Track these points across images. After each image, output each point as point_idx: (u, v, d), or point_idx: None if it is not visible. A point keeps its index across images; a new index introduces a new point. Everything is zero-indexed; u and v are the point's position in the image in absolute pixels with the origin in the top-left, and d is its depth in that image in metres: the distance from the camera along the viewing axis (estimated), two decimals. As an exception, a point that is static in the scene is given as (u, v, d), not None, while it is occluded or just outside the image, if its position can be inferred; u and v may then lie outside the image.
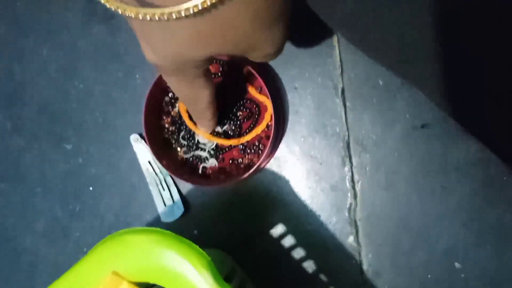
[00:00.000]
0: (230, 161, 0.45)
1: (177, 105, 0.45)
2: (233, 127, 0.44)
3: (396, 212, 0.44)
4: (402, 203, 0.44)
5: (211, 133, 0.44)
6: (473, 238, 0.42)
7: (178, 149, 0.46)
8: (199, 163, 0.45)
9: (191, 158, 0.46)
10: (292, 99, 0.45)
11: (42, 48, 0.50)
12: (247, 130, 0.44)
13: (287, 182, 0.45)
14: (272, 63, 0.46)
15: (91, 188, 0.49)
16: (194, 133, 0.45)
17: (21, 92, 0.50)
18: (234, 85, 0.44)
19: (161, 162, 0.42)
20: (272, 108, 0.41)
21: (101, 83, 0.49)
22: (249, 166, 0.44)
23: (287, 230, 0.46)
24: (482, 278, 0.43)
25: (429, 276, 0.43)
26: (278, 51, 0.30)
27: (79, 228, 0.50)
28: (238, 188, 0.46)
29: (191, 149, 0.45)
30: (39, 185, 0.50)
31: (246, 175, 0.41)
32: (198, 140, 0.45)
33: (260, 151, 0.44)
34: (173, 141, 0.46)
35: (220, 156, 0.45)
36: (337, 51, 0.44)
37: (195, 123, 0.43)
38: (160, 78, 0.42)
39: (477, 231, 0.42)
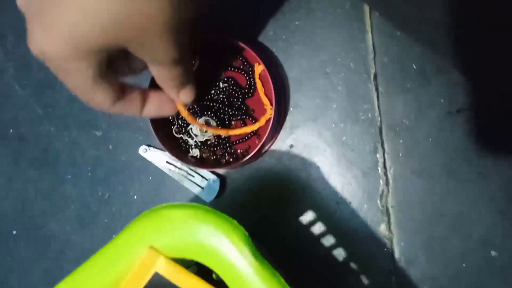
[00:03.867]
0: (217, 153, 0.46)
1: None
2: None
3: (430, 199, 0.43)
4: (436, 190, 0.43)
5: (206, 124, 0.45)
6: (510, 226, 0.41)
7: (172, 126, 0.46)
8: (188, 148, 0.46)
9: (180, 140, 0.46)
10: (324, 84, 0.45)
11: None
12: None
13: (317, 168, 0.45)
14: (303, 48, 0.45)
15: (120, 175, 0.50)
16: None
17: (52, 79, 0.51)
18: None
19: (157, 134, 0.43)
20: (272, 112, 0.42)
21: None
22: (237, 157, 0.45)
23: (317, 217, 0.45)
24: (519, 268, 0.41)
25: (464, 264, 0.42)
26: (174, 61, 0.29)
27: (108, 214, 0.50)
28: (266, 174, 0.46)
29: (181, 130, 0.45)
30: (69, 172, 0.51)
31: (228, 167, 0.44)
32: (190, 128, 0.45)
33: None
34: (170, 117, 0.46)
35: (205, 149, 0.46)
36: (370, 35, 0.44)
37: (190, 112, 0.43)
38: None
39: (515, 218, 0.41)
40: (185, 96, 0.35)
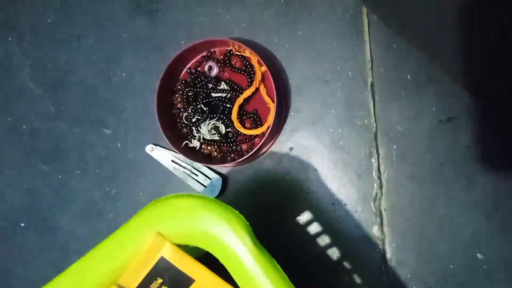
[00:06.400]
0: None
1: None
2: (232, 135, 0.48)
3: (421, 202, 0.45)
4: (427, 194, 0.45)
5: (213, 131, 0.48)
6: (496, 229, 0.44)
7: (178, 124, 0.49)
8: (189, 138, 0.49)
9: (185, 132, 0.49)
10: (323, 91, 0.47)
11: (88, 37, 0.53)
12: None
13: (314, 170, 0.47)
14: (305, 56, 0.48)
15: (127, 172, 0.52)
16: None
17: (66, 78, 0.54)
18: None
19: (165, 133, 0.46)
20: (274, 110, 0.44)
21: (142, 72, 0.52)
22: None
23: (313, 218, 0.48)
24: (504, 270, 0.44)
25: (451, 266, 0.44)
26: None
27: (114, 210, 0.52)
28: (267, 175, 0.49)
29: (191, 119, 0.48)
30: (77, 167, 0.53)
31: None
32: (199, 124, 0.48)
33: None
34: (178, 119, 0.49)
35: (213, 146, 0.48)
36: (368, 47, 0.46)
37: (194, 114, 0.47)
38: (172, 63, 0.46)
39: (500, 222, 0.44)
40: None
